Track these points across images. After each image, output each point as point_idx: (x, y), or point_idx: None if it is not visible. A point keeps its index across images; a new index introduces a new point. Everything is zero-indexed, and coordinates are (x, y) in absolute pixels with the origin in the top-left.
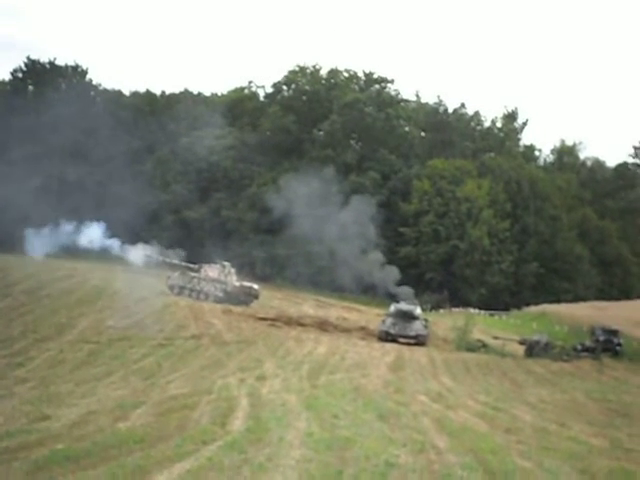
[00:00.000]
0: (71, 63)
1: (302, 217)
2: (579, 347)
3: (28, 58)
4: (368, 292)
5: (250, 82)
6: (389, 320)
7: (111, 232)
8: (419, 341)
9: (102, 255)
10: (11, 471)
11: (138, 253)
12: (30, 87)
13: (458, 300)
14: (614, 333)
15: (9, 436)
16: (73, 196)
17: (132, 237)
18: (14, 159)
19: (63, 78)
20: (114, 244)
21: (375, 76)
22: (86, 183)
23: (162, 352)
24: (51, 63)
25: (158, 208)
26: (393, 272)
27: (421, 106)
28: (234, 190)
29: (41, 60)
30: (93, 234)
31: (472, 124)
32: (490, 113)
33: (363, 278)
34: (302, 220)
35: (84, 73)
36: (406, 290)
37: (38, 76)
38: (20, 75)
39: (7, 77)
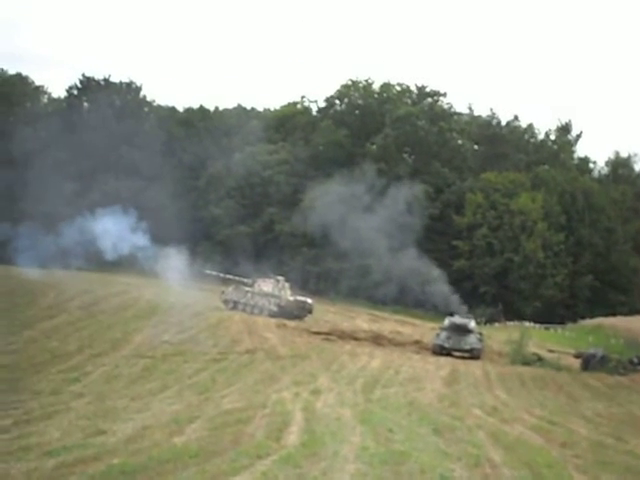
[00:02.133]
0: (125, 80)
1: (353, 230)
2: (635, 360)
3: (83, 75)
4: (421, 305)
5: (303, 97)
6: (443, 334)
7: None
8: (474, 355)
9: (124, 264)
10: None
11: (173, 262)
12: (85, 104)
13: (512, 313)
14: None
15: (66, 451)
16: (126, 212)
17: (186, 253)
18: (69, 176)
19: (117, 95)
20: (143, 242)
21: (427, 89)
22: (140, 199)
23: (216, 367)
24: (106, 80)
25: (212, 223)
26: (428, 267)
27: (474, 119)
28: (287, 205)
29: (96, 77)
30: (114, 228)
31: (525, 136)
32: (544, 125)
33: (413, 290)
34: (353, 233)
35: (138, 89)
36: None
37: (93, 93)
38: (75, 92)
39: (63, 94)
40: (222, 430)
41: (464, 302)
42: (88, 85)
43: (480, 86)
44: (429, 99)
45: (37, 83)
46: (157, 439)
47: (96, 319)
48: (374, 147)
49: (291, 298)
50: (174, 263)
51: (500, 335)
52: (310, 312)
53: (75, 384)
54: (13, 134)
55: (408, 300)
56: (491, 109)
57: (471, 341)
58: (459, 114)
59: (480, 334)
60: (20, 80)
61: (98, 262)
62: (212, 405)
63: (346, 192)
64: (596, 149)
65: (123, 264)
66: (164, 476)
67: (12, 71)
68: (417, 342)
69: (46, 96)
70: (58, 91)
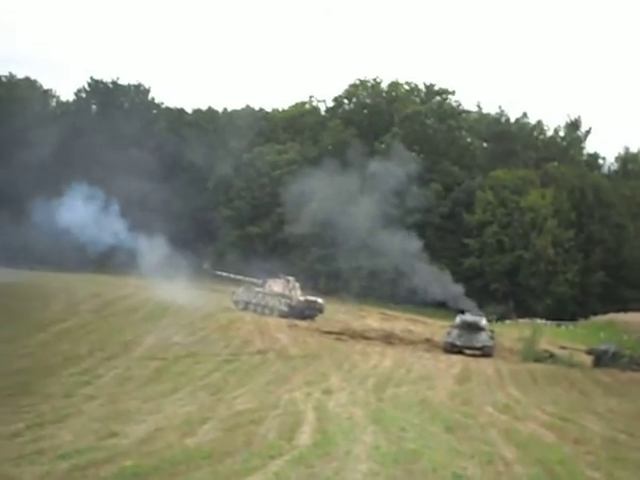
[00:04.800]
0: (134, 82)
1: (362, 229)
2: None
3: (91, 78)
4: (431, 303)
5: (311, 97)
6: (454, 332)
7: (173, 243)
8: (485, 352)
9: (131, 266)
10: None
11: (183, 264)
12: (94, 107)
13: (524, 311)
14: None
15: (78, 453)
16: (137, 214)
17: (196, 253)
18: (79, 179)
19: (126, 97)
20: (118, 227)
21: (436, 88)
22: (150, 201)
23: (228, 368)
24: (114, 82)
25: (222, 224)
26: (414, 242)
27: (483, 117)
28: (296, 204)
29: (104, 80)
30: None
31: (534, 133)
32: (553, 122)
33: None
34: (362, 232)
35: (146, 92)
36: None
37: (101, 96)
38: (84, 95)
39: (71, 97)
40: (234, 431)
41: (475, 300)
42: (96, 88)
43: (488, 83)
44: (437, 97)
45: (45, 87)
46: (169, 441)
47: (107, 322)
48: (383, 146)
49: (302, 298)
50: (184, 265)
51: (512, 332)
52: (321, 312)
53: (87, 387)
54: (22, 138)
55: (418, 298)
56: (500, 106)
57: (482, 339)
58: (468, 112)
59: (491, 331)
60: (28, 84)
61: (102, 264)
62: (224, 406)
63: (343, 184)
64: (605, 145)
65: (130, 266)
66: (176, 477)
67: (20, 75)
68: (428, 340)
69: (55, 99)
70: (67, 94)
